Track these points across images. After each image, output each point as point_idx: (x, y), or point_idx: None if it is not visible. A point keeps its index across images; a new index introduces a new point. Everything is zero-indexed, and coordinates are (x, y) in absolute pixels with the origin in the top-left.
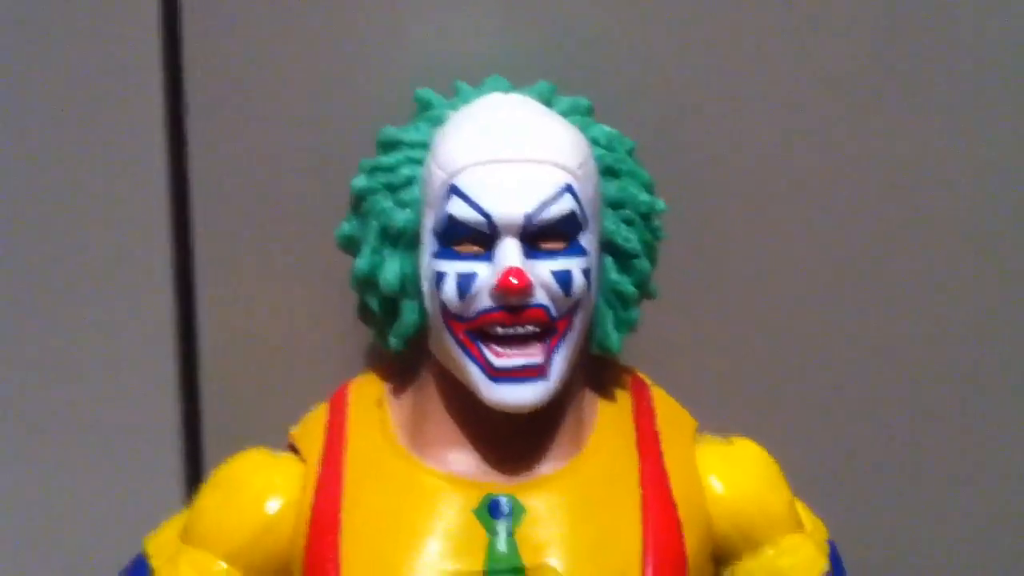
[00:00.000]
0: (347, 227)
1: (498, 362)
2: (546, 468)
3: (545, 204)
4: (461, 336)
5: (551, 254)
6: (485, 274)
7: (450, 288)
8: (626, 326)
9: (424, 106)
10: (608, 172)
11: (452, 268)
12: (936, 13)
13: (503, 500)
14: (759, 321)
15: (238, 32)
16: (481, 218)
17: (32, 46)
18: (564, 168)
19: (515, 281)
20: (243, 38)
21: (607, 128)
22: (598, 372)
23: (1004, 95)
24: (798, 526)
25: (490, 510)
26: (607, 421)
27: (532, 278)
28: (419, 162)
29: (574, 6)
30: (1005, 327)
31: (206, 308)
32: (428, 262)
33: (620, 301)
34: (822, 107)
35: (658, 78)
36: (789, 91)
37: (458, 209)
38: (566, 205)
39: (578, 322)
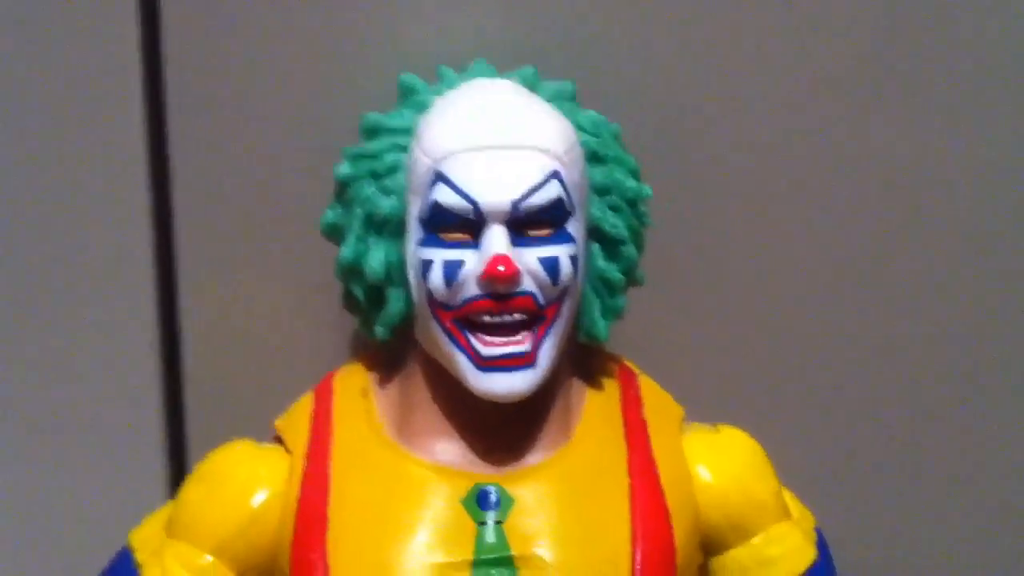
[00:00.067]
0: (331, 215)
1: (486, 351)
2: (534, 458)
3: (532, 191)
4: (448, 325)
5: (538, 241)
6: (472, 262)
7: (436, 276)
8: (613, 314)
9: (408, 92)
10: (594, 158)
11: (438, 256)
12: (935, 13)
13: (491, 490)
14: (746, 309)
15: (219, 20)
16: (467, 205)
17: (8, 42)
18: (550, 154)
19: (502, 268)
20: (224, 26)
21: (592, 113)
22: (585, 360)
23: (1004, 95)
24: (785, 514)
25: (478, 500)
26: (595, 410)
27: (519, 265)
28: (404, 148)
29: None
30: (1003, 326)
31: (189, 298)
32: (414, 250)
33: (607, 288)
34: (813, 97)
35: (644, 62)
36: (778, 78)
37: (444, 196)
38: (553, 191)
39: (566, 310)
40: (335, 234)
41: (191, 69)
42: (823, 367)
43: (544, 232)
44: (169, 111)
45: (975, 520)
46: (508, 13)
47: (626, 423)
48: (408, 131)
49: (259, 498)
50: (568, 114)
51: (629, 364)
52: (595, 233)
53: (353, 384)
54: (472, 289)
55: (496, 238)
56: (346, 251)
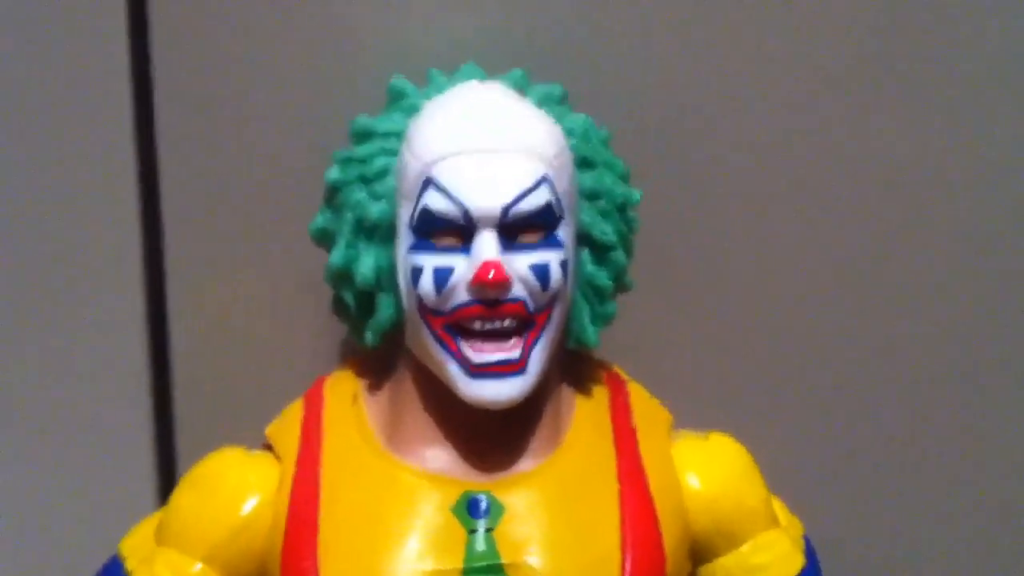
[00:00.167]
0: (320, 220)
1: (476, 358)
2: (524, 465)
3: (522, 196)
4: (439, 331)
5: (528, 247)
6: (462, 268)
7: (427, 282)
8: (603, 320)
9: (398, 96)
10: (583, 163)
11: (429, 262)
12: (935, 13)
13: (482, 498)
14: (737, 315)
15: (208, 22)
16: (457, 210)
17: None
18: (540, 159)
19: (493, 275)
20: (212, 26)
21: (582, 117)
22: (574, 367)
23: (1004, 95)
24: (774, 522)
25: (469, 508)
26: (584, 417)
27: (510, 272)
28: (393, 153)
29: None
30: (1003, 326)
31: (178, 302)
32: (404, 255)
33: (597, 294)
34: (808, 99)
35: (634, 65)
36: (768, 80)
37: (434, 201)
38: (543, 196)
39: (556, 316)
40: (325, 239)
41: (180, 70)
42: (815, 373)
43: (534, 238)
44: (158, 113)
45: (974, 521)
46: (498, 16)
47: (615, 430)
48: (398, 135)
49: (249, 505)
50: (557, 118)
51: (618, 371)
52: (585, 239)
53: (343, 391)
54: (462, 295)
55: (486, 244)
56: (336, 257)
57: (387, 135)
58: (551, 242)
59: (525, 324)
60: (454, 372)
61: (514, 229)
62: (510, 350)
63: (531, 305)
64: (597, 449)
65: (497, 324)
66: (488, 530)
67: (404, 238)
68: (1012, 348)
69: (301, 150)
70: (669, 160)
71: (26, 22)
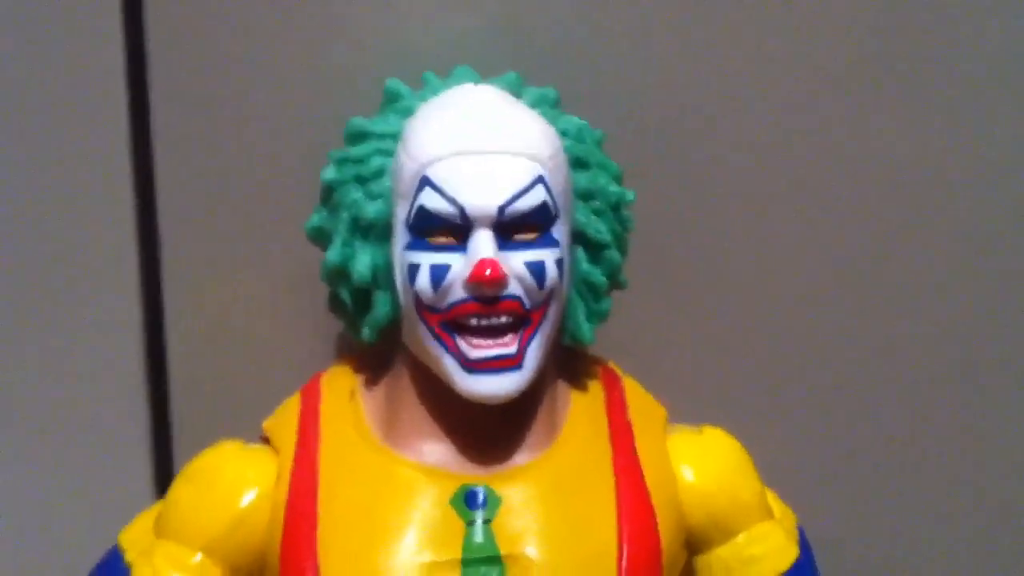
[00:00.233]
0: (316, 219)
1: (473, 353)
2: (521, 458)
3: (517, 195)
4: (435, 328)
5: (524, 245)
6: (459, 265)
7: (424, 280)
8: (597, 317)
9: (393, 97)
10: (578, 163)
11: (425, 260)
12: (935, 13)
13: (479, 491)
14: (730, 311)
15: (204, 22)
16: (454, 210)
17: None
18: (536, 159)
19: (489, 272)
20: (209, 29)
21: (575, 119)
22: (570, 363)
23: (1004, 95)
24: (768, 513)
25: (466, 501)
26: (580, 411)
27: (505, 269)
28: (389, 153)
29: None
30: (1003, 326)
31: (174, 304)
32: (401, 254)
33: (591, 292)
34: (804, 100)
35: (628, 66)
36: (764, 79)
37: (431, 200)
38: (538, 196)
39: (551, 313)
40: (321, 238)
41: (176, 70)
42: (813, 372)
43: (529, 236)
44: (154, 113)
45: (974, 521)
46: (493, 19)
47: (611, 424)
48: (394, 136)
49: (247, 498)
50: (551, 120)
51: (613, 366)
52: (579, 237)
53: (340, 385)
54: (459, 293)
55: (482, 242)
56: (332, 255)
57: (383, 136)
58: (546, 241)
59: (521, 321)
60: (451, 368)
61: (510, 228)
62: (506, 346)
63: (527, 302)
64: (593, 443)
65: (493, 321)
66: (486, 522)
67: (400, 236)
68: (1012, 348)
69: (297, 150)
70: (665, 160)
71: (21, 23)
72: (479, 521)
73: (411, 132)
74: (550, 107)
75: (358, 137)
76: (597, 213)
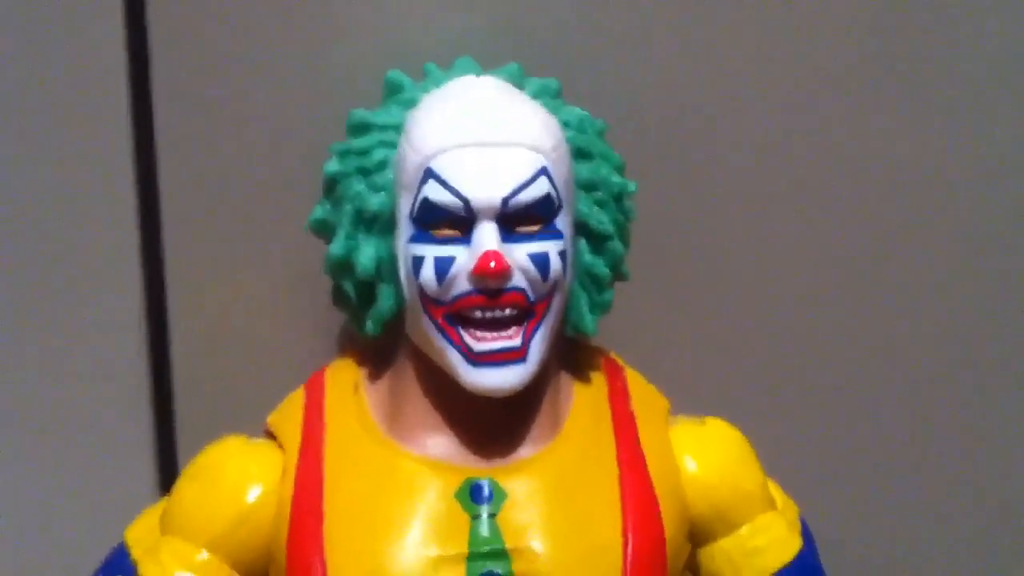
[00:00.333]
0: (320, 212)
1: (477, 346)
2: (525, 451)
3: (521, 187)
4: (440, 320)
5: (527, 237)
6: (463, 258)
7: (428, 272)
8: (600, 308)
9: (395, 89)
10: (580, 154)
11: (429, 252)
12: (935, 13)
13: (484, 484)
14: (731, 302)
15: (205, 21)
16: (458, 201)
17: None
18: (539, 151)
19: (494, 265)
20: (211, 27)
21: (577, 110)
22: (572, 354)
23: (1004, 95)
24: (771, 504)
25: (471, 494)
26: (583, 403)
27: (510, 261)
28: (392, 145)
29: None
30: (1003, 326)
31: (177, 303)
32: (405, 246)
33: (594, 283)
34: (804, 93)
35: (630, 58)
36: (766, 73)
37: (434, 193)
38: (542, 188)
39: (555, 305)
40: (324, 230)
41: (178, 63)
42: (811, 360)
43: (533, 228)
44: (156, 112)
45: (974, 521)
46: (494, 11)
47: (614, 415)
48: (396, 127)
49: (253, 494)
50: (553, 110)
51: (615, 357)
52: (582, 228)
53: (344, 379)
54: (463, 285)
55: (487, 234)
56: (336, 247)
57: (385, 127)
58: (550, 232)
59: (525, 313)
60: (455, 360)
61: (513, 220)
62: (511, 338)
63: (531, 295)
64: (596, 435)
65: (498, 313)
66: (491, 515)
67: (404, 229)
68: (1012, 348)
69: (300, 148)
70: (666, 152)
71: (22, 24)
72: (484, 515)
73: (414, 124)
74: (552, 98)
75: (360, 129)
76: (599, 204)
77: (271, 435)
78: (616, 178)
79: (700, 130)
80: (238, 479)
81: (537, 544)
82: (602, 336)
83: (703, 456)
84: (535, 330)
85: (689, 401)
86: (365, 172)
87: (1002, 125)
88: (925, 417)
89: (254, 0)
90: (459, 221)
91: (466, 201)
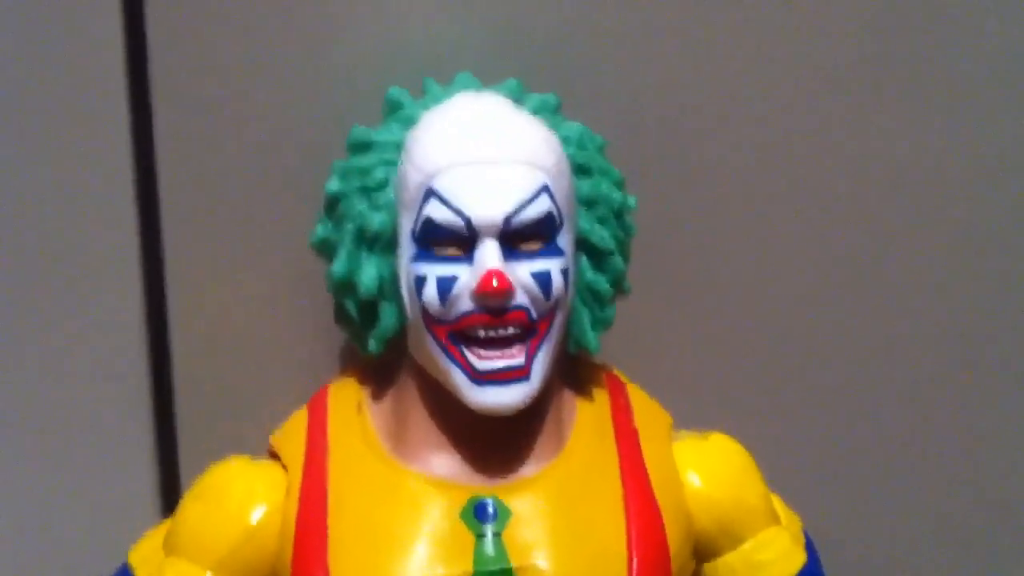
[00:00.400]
0: (321, 231)
1: (481, 365)
2: (529, 469)
3: (523, 205)
4: (443, 339)
5: (530, 255)
6: (465, 277)
7: (431, 292)
8: (602, 324)
9: (395, 106)
10: (580, 170)
11: (432, 271)
12: (935, 13)
13: (489, 502)
14: (732, 317)
15: (205, 16)
16: (460, 220)
17: None
18: (540, 168)
19: (496, 283)
20: (210, 22)
21: (576, 125)
22: (574, 371)
23: (1004, 95)
24: (775, 519)
25: (476, 512)
26: (586, 419)
27: (512, 280)
28: (393, 163)
29: (541, 4)
30: (1003, 326)
31: (178, 305)
32: (407, 265)
33: (596, 299)
34: (805, 107)
35: (628, 72)
36: (763, 85)
37: (436, 211)
38: (544, 205)
39: (558, 322)
40: (326, 249)
41: (177, 72)
42: (814, 374)
43: (535, 246)
44: (156, 114)
45: (974, 521)
46: (493, 23)
47: (617, 432)
48: (397, 145)
49: (257, 514)
50: (553, 126)
51: (618, 373)
52: (583, 245)
53: (347, 398)
54: (466, 304)
55: (489, 253)
56: (338, 267)
57: (385, 146)
58: (552, 250)
59: (528, 331)
60: (459, 379)
61: (515, 238)
62: (514, 357)
63: (534, 313)
64: (600, 451)
65: (500, 332)
66: (496, 534)
67: (406, 248)
68: (1012, 348)
69: (300, 149)
70: (665, 166)
71: (23, 23)
72: (489, 534)
73: (414, 142)
74: (551, 113)
75: (361, 147)
76: (600, 220)
77: (274, 455)
78: (616, 194)
79: (698, 144)
80: (242, 499)
81: (542, 562)
82: (603, 351)
83: (707, 471)
84: (538, 348)
85: (691, 415)
86: (366, 191)
87: (1002, 125)
88: (925, 417)
89: (254, 0)
90: (461, 240)
91: (468, 220)
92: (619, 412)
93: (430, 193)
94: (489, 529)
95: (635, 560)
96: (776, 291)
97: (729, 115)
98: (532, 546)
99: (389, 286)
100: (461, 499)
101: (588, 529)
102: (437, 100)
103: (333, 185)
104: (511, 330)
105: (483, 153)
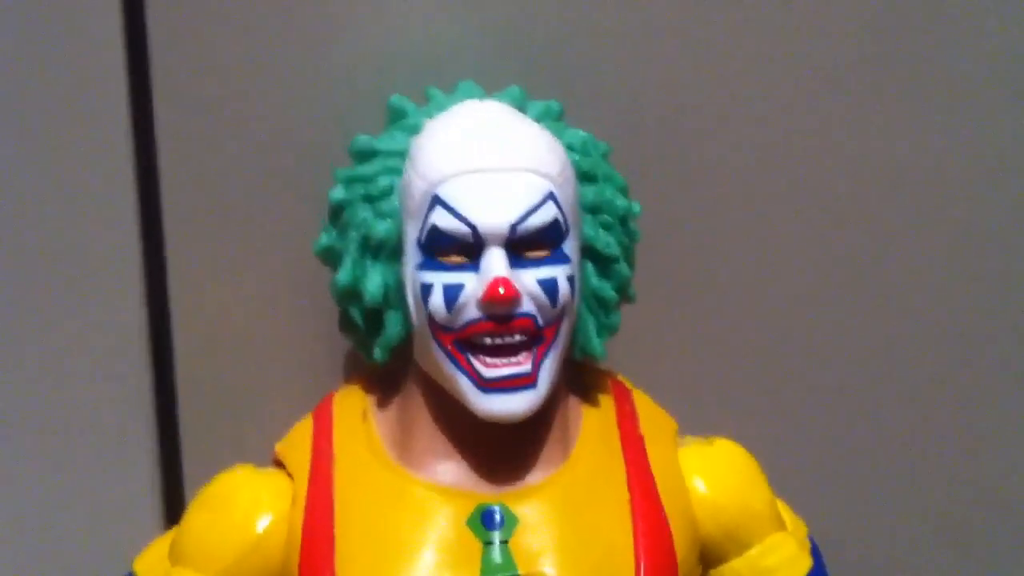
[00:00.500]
0: (325, 239)
1: (488, 373)
2: (535, 476)
3: (529, 212)
4: (449, 347)
5: (536, 263)
6: (472, 285)
7: (437, 300)
8: (608, 331)
9: (398, 114)
10: (585, 177)
11: (438, 279)
12: (933, 13)
13: (496, 510)
14: (736, 322)
15: (206, 16)
16: (466, 228)
17: None
18: (546, 176)
19: (503, 291)
20: (210, 22)
21: (580, 132)
22: (580, 377)
23: (1004, 95)
24: (780, 524)
25: (483, 520)
26: (592, 426)
27: (519, 287)
28: (397, 171)
29: (542, 9)
30: (1003, 326)
31: (180, 306)
32: (413, 273)
33: (601, 306)
34: (807, 113)
35: (630, 77)
36: (764, 93)
37: (442, 220)
38: (549, 213)
39: (564, 329)
40: (330, 258)
41: (179, 72)
42: (815, 377)
43: (541, 253)
44: (156, 108)
45: (974, 521)
46: (492, 9)
47: (623, 438)
48: (401, 154)
49: (263, 523)
50: (557, 133)
51: (623, 380)
52: (588, 252)
53: (352, 406)
54: (473, 312)
55: (495, 261)
56: (343, 275)
57: (389, 154)
58: (558, 257)
59: (534, 338)
60: (466, 387)
61: (521, 245)
62: (520, 364)
63: (540, 320)
64: (606, 457)
65: (507, 339)
66: (503, 542)
67: (411, 256)
68: (1012, 348)
69: (300, 149)
70: (668, 171)
71: (23, 23)
72: (497, 541)
73: (419, 151)
74: (554, 120)
75: (365, 155)
76: (605, 227)
77: (279, 463)
78: (621, 200)
79: (701, 146)
80: (248, 508)
81: (550, 569)
82: (607, 356)
83: (712, 477)
84: (545, 355)
85: (696, 420)
86: (371, 199)
87: (1002, 125)
88: (925, 417)
89: (254, 0)
90: (467, 248)
91: (474, 228)
92: (624, 418)
93: (436, 201)
94: (496, 536)
95: (643, 566)
96: (779, 294)
97: (730, 116)
98: (539, 553)
99: (394, 294)
100: (468, 507)
101: (595, 536)
102: (441, 108)
103: (337, 193)
104: (518, 337)
105: (488, 161)
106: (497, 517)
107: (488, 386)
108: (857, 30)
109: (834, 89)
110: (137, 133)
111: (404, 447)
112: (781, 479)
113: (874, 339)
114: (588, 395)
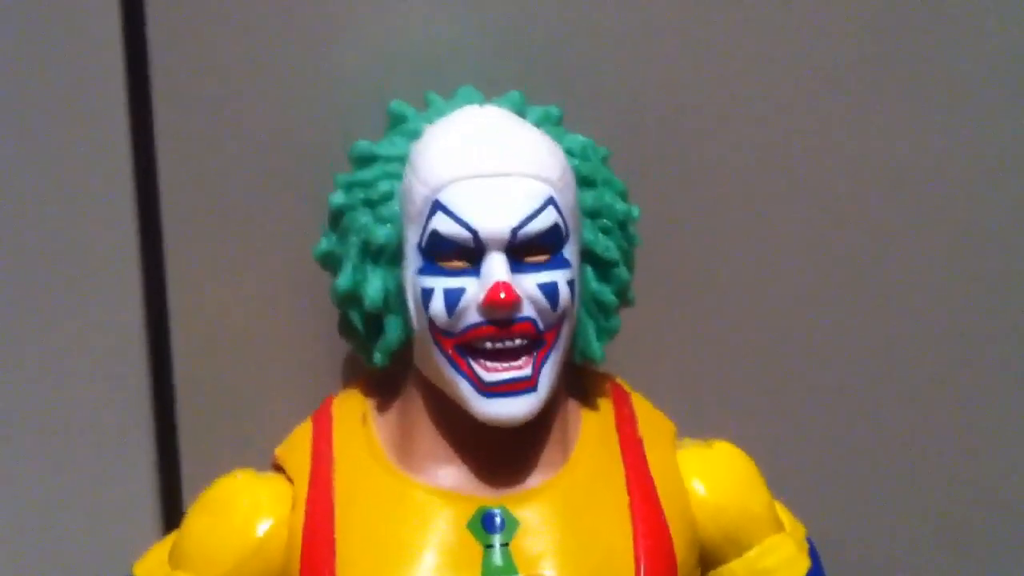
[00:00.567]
0: (325, 244)
1: (488, 377)
2: (535, 479)
3: (530, 217)
4: (450, 351)
5: (536, 267)
6: (472, 289)
7: (438, 304)
8: (607, 334)
9: (398, 119)
10: (584, 182)
11: (439, 284)
12: (933, 13)
13: (496, 513)
14: (734, 325)
15: (205, 16)
16: (467, 233)
17: None
18: (546, 180)
19: (503, 296)
20: (210, 22)
21: (580, 137)
22: (579, 381)
23: (1004, 95)
24: (779, 526)
25: (484, 523)
26: (591, 429)
27: (519, 292)
28: (397, 176)
29: (541, 12)
30: (1003, 326)
31: (178, 303)
32: (413, 278)
33: (601, 310)
34: (807, 115)
35: (625, 78)
36: (764, 96)
37: (443, 225)
38: (550, 218)
39: (564, 333)
40: (330, 262)
41: (178, 72)
42: (814, 379)
43: (541, 258)
44: (156, 108)
45: (974, 521)
46: (492, 29)
47: (622, 441)
48: (401, 159)
49: (263, 527)
50: (556, 138)
51: (622, 383)
52: (588, 256)
53: (352, 410)
54: (473, 316)
55: (496, 265)
56: (343, 280)
57: (390, 159)
58: (558, 262)
59: (535, 343)
60: (466, 391)
61: (522, 250)
62: (521, 368)
63: (540, 324)
64: (605, 460)
65: (507, 343)
66: (504, 545)
67: (412, 260)
68: (1012, 348)
69: (300, 149)
70: (667, 175)
71: (23, 23)
72: (497, 544)
73: (419, 156)
74: (554, 125)
75: (365, 160)
76: (605, 231)
77: (279, 468)
78: (620, 205)
79: (700, 148)
80: (248, 513)
81: (550, 572)
82: (607, 360)
83: (711, 479)
84: (545, 359)
85: (694, 422)
86: (371, 204)
87: (1002, 125)
88: (925, 417)
89: (254, 1)
90: (468, 252)
91: (475, 233)
92: (623, 421)
93: (437, 206)
94: (497, 539)
95: (642, 568)
96: (778, 296)
97: (730, 118)
98: (540, 556)
99: (394, 299)
100: (468, 510)
101: (595, 538)
102: (440, 113)
103: (337, 198)
104: (518, 342)
105: (489, 166)
106: (498, 520)
107: (489, 390)
108: (857, 30)
109: (834, 89)
110: (136, 133)
111: (404, 451)
112: (780, 480)
113: (874, 339)
114: (587, 398)
